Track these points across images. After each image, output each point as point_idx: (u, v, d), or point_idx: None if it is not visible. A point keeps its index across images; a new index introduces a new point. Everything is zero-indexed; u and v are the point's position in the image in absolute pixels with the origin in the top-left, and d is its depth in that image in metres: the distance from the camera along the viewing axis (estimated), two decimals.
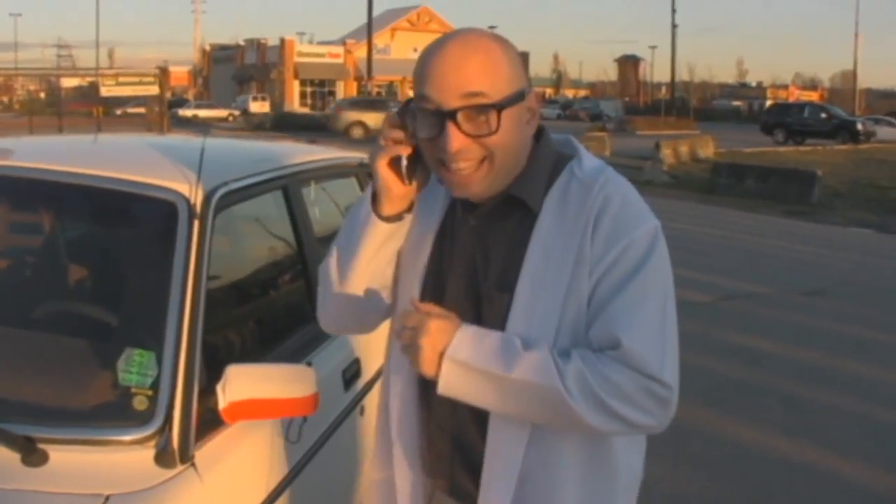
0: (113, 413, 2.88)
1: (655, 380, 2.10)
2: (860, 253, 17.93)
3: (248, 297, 4.21)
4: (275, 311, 4.27)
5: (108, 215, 3.68)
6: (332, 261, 2.48)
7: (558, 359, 2.11)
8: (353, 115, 51.69)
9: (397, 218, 2.36)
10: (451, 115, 2.13)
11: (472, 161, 2.18)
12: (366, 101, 55.39)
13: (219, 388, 2.80)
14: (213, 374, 2.91)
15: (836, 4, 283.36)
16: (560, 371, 2.08)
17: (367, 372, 4.18)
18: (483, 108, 2.14)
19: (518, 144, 2.24)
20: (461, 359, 2.12)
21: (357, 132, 49.30)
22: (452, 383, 2.14)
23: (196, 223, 3.14)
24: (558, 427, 2.21)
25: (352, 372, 3.96)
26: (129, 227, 3.67)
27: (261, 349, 3.58)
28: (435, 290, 2.38)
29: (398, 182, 2.29)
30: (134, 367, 2.89)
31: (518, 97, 2.19)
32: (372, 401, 4.23)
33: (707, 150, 39.28)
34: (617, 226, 2.19)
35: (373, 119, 48.60)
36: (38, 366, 3.11)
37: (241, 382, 2.81)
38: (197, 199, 3.19)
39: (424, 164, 2.29)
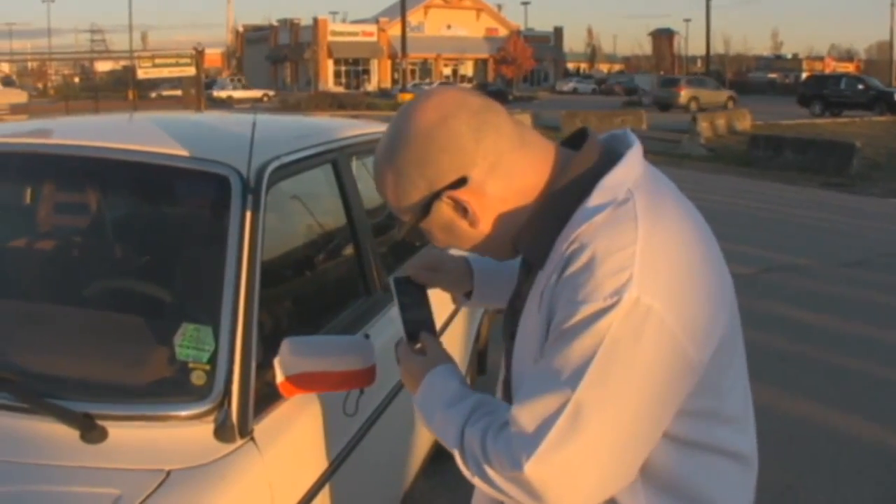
0: (171, 388, 2.87)
1: (518, 468, 1.83)
2: None
3: (301, 271, 4.20)
4: (328, 285, 4.26)
5: (160, 191, 3.67)
6: None
7: (470, 419, 1.99)
8: (690, 92, 60.47)
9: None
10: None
11: (464, 248, 2.16)
12: (697, 80, 67.08)
13: (276, 361, 2.80)
14: (269, 347, 2.91)
15: None
16: (462, 432, 1.99)
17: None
18: (400, 224, 2.12)
19: (466, 238, 2.09)
20: (417, 408, 2.18)
21: (693, 105, 57.04)
22: (421, 419, 2.20)
23: (250, 197, 3.12)
24: None
25: None
26: (183, 203, 3.67)
27: (316, 322, 3.56)
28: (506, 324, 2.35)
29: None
30: (191, 341, 2.87)
31: (420, 211, 2.03)
32: None
33: (744, 122, 39.03)
34: (570, 288, 1.86)
35: (705, 96, 60.75)
36: (95, 343, 3.10)
37: (298, 356, 2.80)
38: (250, 172, 3.17)
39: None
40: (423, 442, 4.54)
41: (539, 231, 2.01)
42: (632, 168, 2.00)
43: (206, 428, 2.70)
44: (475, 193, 1.98)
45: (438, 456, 4.96)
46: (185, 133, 3.75)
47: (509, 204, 2.02)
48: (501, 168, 1.98)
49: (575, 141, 2.10)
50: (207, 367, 2.83)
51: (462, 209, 1.99)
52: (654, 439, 1.90)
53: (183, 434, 2.70)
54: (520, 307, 2.13)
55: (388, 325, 3.87)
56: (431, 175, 1.97)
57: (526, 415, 1.84)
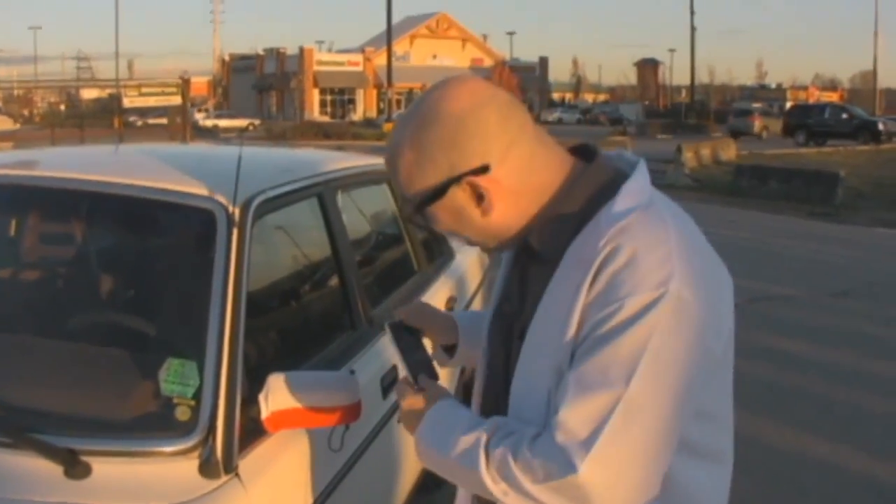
0: (155, 424, 2.86)
1: (572, 469, 1.80)
2: (885, 253, 17.69)
3: (286, 305, 4.19)
4: (313, 319, 4.25)
5: (144, 225, 3.66)
6: None
7: (494, 437, 1.94)
8: (763, 122, 62.48)
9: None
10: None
11: (468, 237, 2.14)
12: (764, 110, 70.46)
13: (261, 397, 2.77)
14: (254, 382, 2.89)
15: (854, 4, 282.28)
16: (488, 452, 1.93)
17: None
18: (406, 208, 2.11)
19: (474, 228, 2.08)
20: (422, 443, 2.12)
21: (765, 133, 59.88)
22: (422, 459, 2.17)
23: (235, 231, 3.12)
24: None
25: (390, 379, 3.92)
26: (167, 237, 3.66)
27: (301, 357, 3.54)
28: (489, 330, 2.32)
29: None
30: (176, 376, 2.86)
31: (434, 194, 2.02)
32: None
33: (729, 152, 39.12)
34: (612, 285, 1.86)
35: (773, 124, 61.01)
36: (79, 377, 3.08)
37: (284, 391, 2.77)
38: (235, 207, 3.17)
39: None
40: (408, 476, 4.50)
41: (557, 229, 2.02)
42: (646, 176, 2.07)
43: (191, 464, 2.69)
44: (494, 182, 1.99)
45: (424, 488, 4.94)
46: (171, 166, 3.74)
47: (523, 198, 2.03)
48: (522, 162, 2.00)
49: (577, 152, 2.14)
50: (192, 403, 2.81)
51: (478, 196, 2.00)
52: (679, 436, 1.92)
53: (167, 470, 2.68)
54: (517, 311, 2.13)
55: (374, 359, 3.87)
56: (455, 158, 1.97)
57: (576, 417, 1.82)
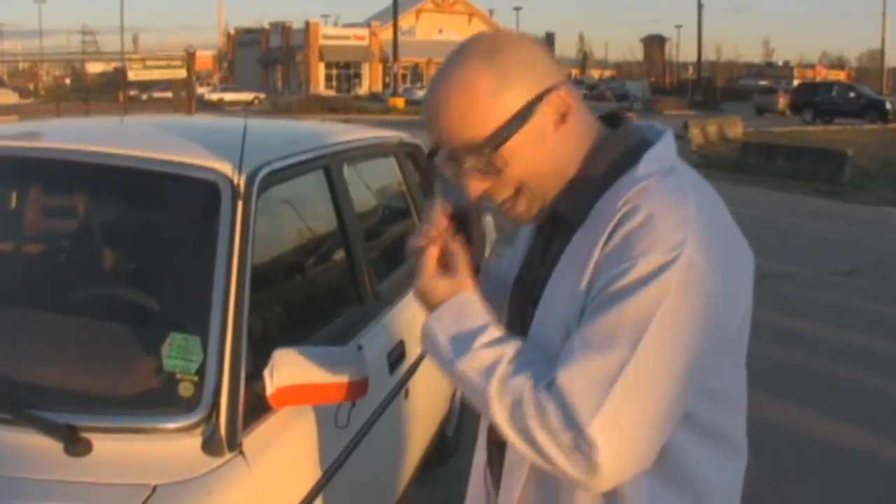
0: (158, 400, 2.81)
1: (577, 428, 1.75)
2: (892, 232, 17.71)
3: (292, 279, 4.14)
4: (319, 293, 4.20)
5: (148, 197, 3.60)
6: None
7: (511, 368, 1.86)
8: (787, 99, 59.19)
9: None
10: (457, 162, 1.97)
11: (505, 195, 2.00)
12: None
13: (266, 373, 2.73)
14: (259, 358, 2.84)
15: None
16: (501, 379, 1.85)
17: (412, 354, 4.13)
18: (480, 149, 1.92)
19: (549, 161, 1.97)
20: (433, 332, 1.97)
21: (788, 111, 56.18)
22: (423, 340, 2.03)
23: (240, 204, 3.06)
24: None
25: (396, 354, 3.89)
26: (171, 210, 3.60)
27: (307, 331, 3.49)
28: (509, 301, 2.24)
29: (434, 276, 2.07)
30: (178, 352, 2.81)
31: (522, 117, 1.91)
32: (416, 384, 4.18)
33: (735, 129, 38.96)
34: (626, 244, 1.82)
35: None
36: (80, 352, 3.02)
37: (289, 367, 2.74)
38: (240, 179, 3.10)
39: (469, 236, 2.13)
40: (415, 452, 4.47)
41: (583, 193, 1.97)
42: (671, 145, 2.04)
43: (194, 441, 2.64)
44: (572, 97, 1.96)
45: (430, 464, 4.91)
46: (175, 137, 3.69)
47: (582, 135, 2.01)
48: (579, 96, 1.99)
49: (605, 120, 2.11)
50: (195, 379, 2.76)
51: (563, 112, 1.95)
52: (684, 410, 1.87)
53: (170, 447, 2.63)
54: (537, 277, 2.07)
55: (381, 334, 3.83)
56: (537, 75, 1.93)
57: (581, 379, 1.76)
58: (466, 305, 1.97)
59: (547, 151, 1.96)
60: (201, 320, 2.84)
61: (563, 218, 2.01)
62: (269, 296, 3.58)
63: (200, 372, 2.76)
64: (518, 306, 2.15)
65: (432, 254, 2.03)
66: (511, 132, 1.90)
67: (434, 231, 2.05)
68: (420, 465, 4.70)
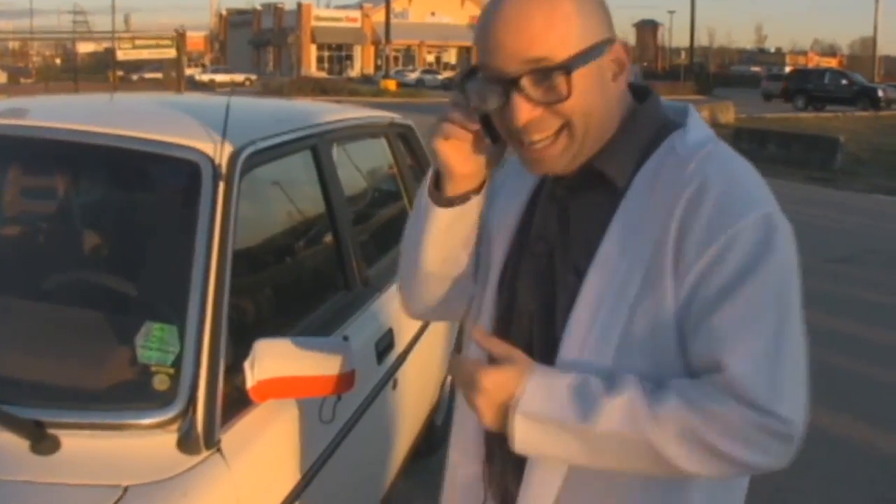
0: (131, 394, 2.65)
1: (768, 414, 1.71)
2: (885, 220, 17.67)
3: (276, 265, 3.97)
4: (305, 279, 4.04)
5: (125, 177, 3.44)
6: (403, 248, 2.21)
7: (649, 399, 1.76)
8: None
9: (462, 199, 2.03)
10: (514, 82, 1.83)
11: (546, 133, 1.86)
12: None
13: (246, 365, 2.60)
14: (240, 349, 2.71)
15: None
16: (653, 415, 1.74)
17: (400, 343, 3.99)
18: (548, 72, 1.79)
19: (602, 107, 1.88)
20: (532, 412, 1.80)
21: None
22: (528, 441, 1.83)
23: (221, 185, 2.90)
24: (657, 476, 1.87)
25: (385, 343, 3.75)
26: (149, 190, 3.44)
27: (291, 320, 3.34)
28: (513, 275, 2.09)
29: (461, 161, 1.96)
30: (154, 342, 2.66)
31: (596, 51, 1.83)
32: (405, 374, 4.04)
33: (727, 115, 38.87)
34: (718, 214, 1.77)
35: None
36: (49, 342, 2.87)
37: (271, 359, 2.61)
38: (222, 159, 2.95)
39: (498, 137, 1.98)
40: (403, 444, 4.34)
41: (622, 151, 1.92)
42: (700, 118, 2.02)
43: (169, 438, 2.50)
44: (626, 56, 1.93)
45: (419, 453, 4.78)
46: (156, 116, 3.54)
47: (621, 96, 1.96)
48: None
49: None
50: (171, 371, 2.62)
51: (620, 67, 1.91)
52: None
53: (143, 445, 2.48)
54: (557, 246, 1.98)
55: (369, 321, 3.69)
56: (606, 21, 1.90)
57: (748, 364, 1.72)
58: (541, 375, 1.83)
59: (603, 97, 1.88)
60: (178, 309, 2.69)
61: (603, 178, 1.93)
62: (252, 282, 3.42)
63: (177, 364, 2.62)
64: (535, 280, 2.02)
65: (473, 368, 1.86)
66: (586, 62, 1.82)
67: (461, 133, 1.93)
68: (408, 457, 4.57)
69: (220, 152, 2.95)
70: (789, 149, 26.33)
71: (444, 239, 2.07)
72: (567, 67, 1.79)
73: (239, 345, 2.72)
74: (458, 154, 1.95)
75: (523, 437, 1.80)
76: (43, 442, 2.41)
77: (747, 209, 1.78)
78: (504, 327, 2.05)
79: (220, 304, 2.69)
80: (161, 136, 3.10)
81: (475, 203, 2.04)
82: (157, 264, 3.08)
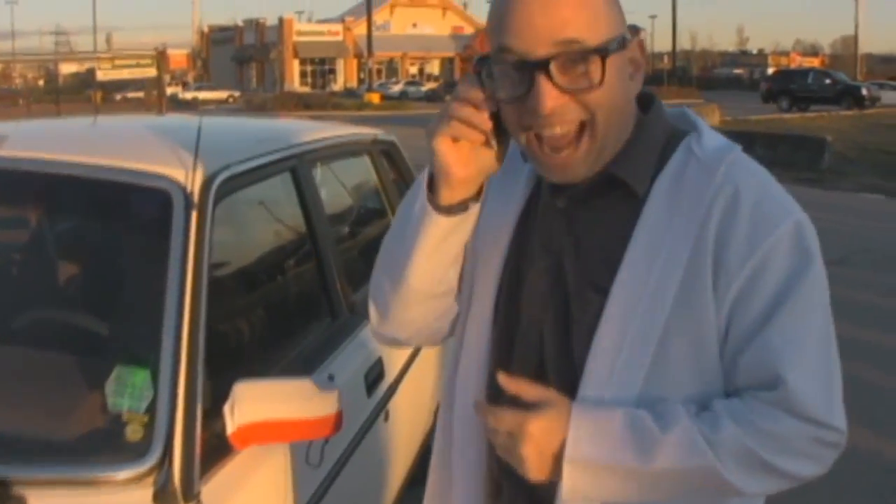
0: (102, 445, 2.49)
1: (825, 426, 1.70)
2: (875, 219, 17.68)
3: (255, 297, 3.76)
4: (287, 311, 3.83)
5: (92, 208, 3.24)
6: (383, 263, 2.02)
7: (703, 427, 1.69)
8: None
9: (461, 208, 1.85)
10: (542, 65, 1.67)
11: (569, 126, 1.72)
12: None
13: (226, 409, 2.43)
14: (218, 390, 2.53)
15: None
16: (710, 443, 1.67)
17: (391, 373, 3.81)
18: (583, 55, 1.67)
19: (624, 104, 1.78)
20: (584, 458, 1.69)
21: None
22: (579, 488, 1.71)
23: (194, 214, 2.74)
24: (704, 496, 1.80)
25: (375, 374, 3.57)
26: (118, 222, 3.23)
27: (273, 356, 3.17)
28: (513, 291, 1.93)
29: (461, 163, 1.78)
30: (126, 388, 2.50)
31: (619, 43, 1.72)
32: (396, 404, 3.86)
33: (713, 118, 38.86)
34: (755, 224, 1.71)
35: None
36: (11, 389, 2.70)
37: (252, 402, 2.44)
38: (194, 186, 2.78)
39: (500, 138, 1.82)
40: (397, 475, 4.16)
41: (638, 157, 1.82)
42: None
43: (144, 493, 2.33)
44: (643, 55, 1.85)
45: (414, 481, 4.62)
46: (125, 142, 3.37)
47: (632, 107, 1.86)
48: None
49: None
50: (145, 419, 2.46)
51: (637, 67, 1.82)
52: None
53: (117, 502, 2.31)
54: (562, 253, 1.85)
55: (357, 351, 3.52)
56: (623, 18, 1.81)
57: (805, 380, 1.69)
58: (589, 416, 1.72)
59: (625, 93, 1.79)
60: (151, 350, 2.53)
61: (615, 185, 1.81)
62: (230, 317, 3.23)
63: (151, 410, 2.45)
64: (544, 297, 1.87)
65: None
66: (615, 50, 1.72)
67: (470, 132, 1.76)
68: (404, 486, 4.38)
69: (191, 179, 2.78)
70: (776, 150, 26.28)
71: (438, 252, 1.89)
72: (603, 51, 1.69)
73: (217, 386, 2.55)
74: (461, 156, 1.78)
75: (574, 484, 1.71)
76: (7, 502, 2.24)
77: (782, 217, 1.74)
78: (505, 351, 1.91)
79: (196, 344, 2.52)
80: (129, 163, 2.93)
81: (473, 213, 1.87)
82: (127, 302, 2.92)
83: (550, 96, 1.67)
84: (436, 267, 1.91)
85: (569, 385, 1.76)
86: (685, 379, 1.74)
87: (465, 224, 1.87)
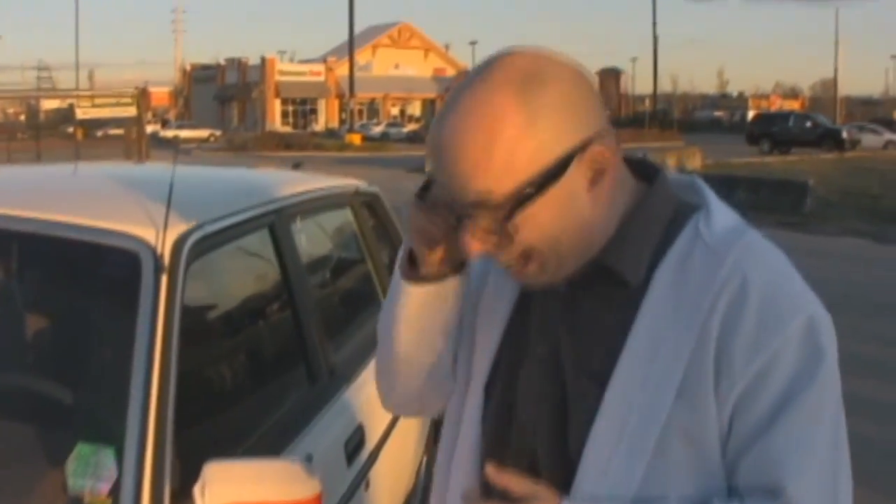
0: None
1: None
2: (860, 264, 17.66)
3: (230, 364, 3.56)
4: (263, 378, 3.62)
5: (55, 270, 3.05)
6: (378, 331, 1.95)
7: None
8: None
9: (437, 278, 1.78)
10: (463, 213, 1.58)
11: (510, 258, 1.62)
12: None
13: (196, 490, 2.25)
14: (188, 470, 2.35)
15: (813, 13, 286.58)
16: None
17: (372, 439, 3.63)
18: (489, 212, 1.55)
19: (573, 227, 1.62)
20: None
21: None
22: None
23: (164, 278, 2.57)
24: None
25: (355, 442, 3.39)
26: (83, 284, 3.03)
27: (248, 426, 2.99)
28: (509, 375, 1.80)
29: (432, 248, 1.72)
30: (87, 467, 2.32)
31: (555, 171, 1.54)
32: (378, 472, 3.69)
33: (694, 161, 38.98)
34: (763, 321, 1.57)
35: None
36: None
37: (224, 484, 2.25)
38: (164, 247, 2.61)
39: None
40: None
41: (633, 246, 1.67)
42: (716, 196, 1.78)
43: None
44: (611, 154, 1.61)
45: None
46: (93, 195, 3.19)
47: (618, 191, 1.67)
48: (616, 146, 1.64)
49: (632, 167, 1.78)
50: (108, 502, 2.28)
51: (597, 173, 1.60)
52: None
53: None
54: (563, 349, 1.71)
55: (337, 418, 3.34)
56: (577, 123, 1.57)
57: (806, 481, 1.57)
58: None
59: (572, 216, 1.61)
60: (116, 425, 2.36)
61: (612, 275, 1.68)
62: (202, 387, 3.05)
63: (115, 493, 2.28)
64: (540, 388, 1.75)
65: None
66: (534, 194, 1.55)
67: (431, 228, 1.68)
68: None
69: (161, 240, 2.61)
70: (759, 194, 26.36)
71: (419, 320, 1.82)
72: (509, 207, 1.55)
73: (188, 465, 2.37)
74: (430, 242, 1.70)
75: None
76: None
77: (792, 313, 1.59)
78: (499, 440, 1.79)
79: (164, 418, 2.37)
80: (96, 221, 2.76)
81: (452, 284, 1.78)
82: (92, 373, 2.74)
83: (474, 244, 1.59)
84: (418, 335, 1.84)
85: (562, 478, 1.66)
86: (684, 477, 1.62)
87: (444, 294, 1.80)
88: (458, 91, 1.58)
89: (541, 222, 1.56)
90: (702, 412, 1.58)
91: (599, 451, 1.62)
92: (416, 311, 1.81)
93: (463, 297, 1.84)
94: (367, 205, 4.91)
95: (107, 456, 2.33)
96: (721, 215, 1.70)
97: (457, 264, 1.77)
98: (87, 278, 2.99)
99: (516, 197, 1.53)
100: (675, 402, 1.58)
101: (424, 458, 4.92)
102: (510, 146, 1.51)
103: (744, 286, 1.58)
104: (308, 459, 2.44)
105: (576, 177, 1.57)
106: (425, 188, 1.68)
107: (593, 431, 1.63)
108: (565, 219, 1.59)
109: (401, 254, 1.84)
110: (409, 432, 4.37)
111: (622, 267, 1.66)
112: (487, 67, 1.57)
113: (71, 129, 28.72)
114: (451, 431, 1.92)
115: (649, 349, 1.60)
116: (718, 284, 1.59)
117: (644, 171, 1.76)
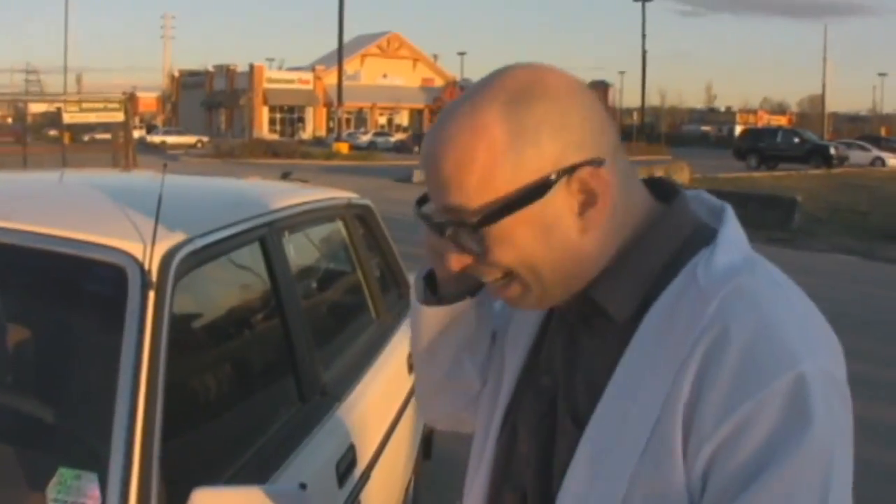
0: None
1: None
2: (849, 281, 17.59)
3: (219, 384, 3.44)
4: (253, 398, 3.52)
5: (37, 284, 2.93)
6: (411, 342, 1.92)
7: None
8: None
9: (453, 299, 1.74)
10: (442, 227, 1.53)
11: (491, 277, 1.55)
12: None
13: None
14: (175, 495, 2.26)
15: (801, 29, 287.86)
16: None
17: (363, 458, 3.52)
18: (462, 223, 1.49)
19: (557, 253, 1.51)
20: None
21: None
22: None
23: (151, 294, 2.47)
24: None
25: (346, 463, 3.29)
26: (66, 301, 2.91)
27: (237, 450, 2.89)
28: (518, 403, 1.73)
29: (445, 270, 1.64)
30: (69, 493, 2.21)
31: (528, 195, 1.45)
32: (369, 492, 3.59)
33: (682, 176, 39.00)
34: (741, 377, 1.38)
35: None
36: None
37: None
38: (152, 262, 2.52)
39: None
40: None
41: (626, 280, 1.54)
42: (739, 226, 1.60)
43: None
44: (607, 183, 1.48)
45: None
46: (79, 206, 3.08)
47: (618, 220, 1.53)
48: (624, 170, 1.55)
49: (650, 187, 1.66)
50: None
51: (586, 200, 1.48)
52: None
53: None
54: (560, 383, 1.62)
55: (328, 438, 3.24)
56: (566, 144, 1.46)
57: None
58: None
59: (555, 241, 1.50)
60: (100, 448, 2.26)
61: (601, 311, 1.56)
62: (190, 408, 2.95)
63: None
64: (538, 420, 1.66)
65: None
66: (506, 211, 1.46)
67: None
68: None
69: (149, 254, 2.51)
70: (746, 209, 26.18)
71: (440, 340, 1.81)
72: (478, 219, 1.47)
73: (175, 490, 2.28)
74: (440, 258, 1.62)
75: None
76: None
77: (777, 370, 1.38)
78: (502, 471, 1.74)
79: (150, 443, 2.26)
80: (80, 233, 2.66)
81: (464, 307, 1.74)
82: (75, 393, 2.62)
83: (454, 260, 1.54)
84: (443, 354, 1.83)
85: None
86: None
87: (462, 315, 1.76)
88: (452, 103, 1.53)
89: (517, 243, 1.48)
90: (666, 474, 1.44)
91: (573, 497, 1.53)
92: (428, 333, 1.80)
93: (485, 320, 1.81)
94: (360, 217, 4.82)
95: (90, 481, 2.22)
96: (724, 253, 1.53)
97: (472, 287, 1.71)
98: (71, 294, 2.87)
99: (486, 212, 1.46)
100: (643, 457, 1.45)
101: (412, 479, 4.84)
102: (488, 162, 1.44)
103: (723, 336, 1.42)
104: (302, 487, 2.32)
105: (560, 200, 1.47)
106: (423, 199, 1.63)
107: (565, 481, 1.54)
108: (545, 242, 1.50)
109: (417, 273, 1.81)
110: (399, 452, 4.28)
111: (608, 301, 1.55)
112: (485, 81, 1.52)
113: (56, 133, 28.52)
114: (476, 455, 1.84)
115: (627, 395, 1.49)
116: (698, 332, 1.44)
117: (663, 191, 1.65)
